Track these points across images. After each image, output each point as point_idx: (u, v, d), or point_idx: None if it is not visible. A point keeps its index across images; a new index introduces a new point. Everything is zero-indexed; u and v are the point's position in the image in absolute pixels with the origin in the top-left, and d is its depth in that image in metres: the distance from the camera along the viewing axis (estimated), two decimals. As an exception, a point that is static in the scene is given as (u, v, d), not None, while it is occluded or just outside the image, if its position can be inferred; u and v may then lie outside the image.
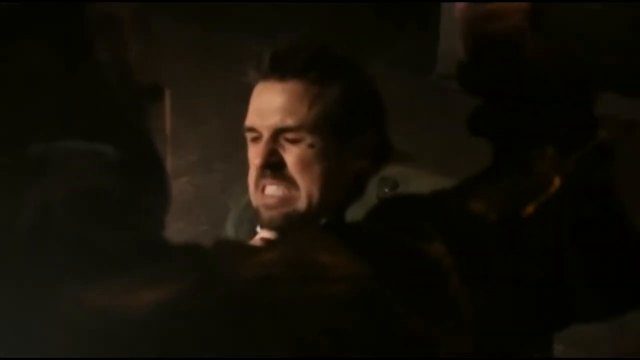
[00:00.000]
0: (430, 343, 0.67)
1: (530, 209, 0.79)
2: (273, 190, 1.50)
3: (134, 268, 0.62)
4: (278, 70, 1.50)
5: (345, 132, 1.51)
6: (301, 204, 1.49)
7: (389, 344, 0.66)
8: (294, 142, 1.48)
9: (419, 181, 1.46)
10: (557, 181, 0.80)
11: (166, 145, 0.74)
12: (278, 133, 1.49)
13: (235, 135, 1.74)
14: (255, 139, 1.52)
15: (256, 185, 1.51)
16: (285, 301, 0.63)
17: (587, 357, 3.02)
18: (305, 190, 1.49)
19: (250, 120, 1.53)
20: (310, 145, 1.48)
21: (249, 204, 1.57)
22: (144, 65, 0.71)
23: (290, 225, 1.47)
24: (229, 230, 1.71)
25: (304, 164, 1.48)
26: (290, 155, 1.48)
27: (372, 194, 1.50)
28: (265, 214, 1.51)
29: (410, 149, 1.71)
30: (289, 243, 0.71)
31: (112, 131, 0.67)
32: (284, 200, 1.49)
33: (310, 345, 0.63)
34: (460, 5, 0.87)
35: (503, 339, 0.75)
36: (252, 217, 1.59)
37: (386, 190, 1.49)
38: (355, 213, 1.49)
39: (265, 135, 1.49)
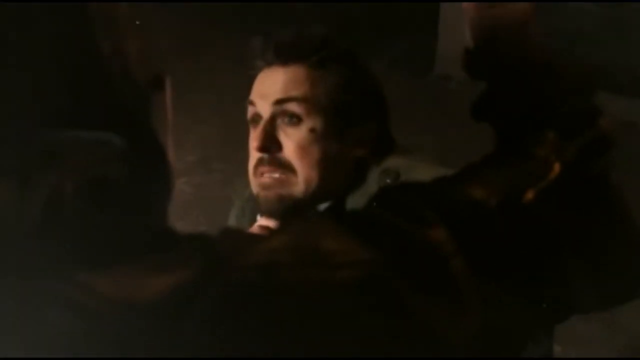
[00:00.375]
0: (435, 327, 0.68)
1: (530, 194, 0.79)
2: (270, 175, 1.50)
3: (141, 256, 0.63)
4: (281, 56, 1.51)
5: (345, 118, 1.52)
6: (299, 189, 1.49)
7: (394, 329, 0.66)
8: (294, 124, 1.49)
9: (421, 173, 1.46)
10: (557, 167, 0.81)
11: (167, 136, 0.75)
12: (278, 111, 1.49)
13: (234, 135, 1.75)
14: (255, 121, 1.53)
15: (255, 172, 1.52)
16: (290, 287, 0.64)
17: (585, 357, 3.02)
18: (303, 175, 1.49)
19: (253, 97, 1.54)
20: (311, 130, 1.49)
21: (251, 196, 1.58)
22: (145, 57, 0.72)
23: (287, 210, 1.48)
24: (232, 222, 1.72)
25: (303, 149, 1.48)
26: (289, 140, 1.49)
27: (374, 185, 1.50)
28: (262, 194, 1.51)
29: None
30: (293, 230, 0.72)
31: (116, 121, 0.68)
32: (281, 181, 1.49)
33: (315, 330, 0.63)
34: None
35: (505, 323, 0.75)
36: (254, 209, 1.59)
37: (388, 181, 1.49)
38: (356, 204, 1.49)
39: (265, 116, 1.50)
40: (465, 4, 0.88)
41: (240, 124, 1.58)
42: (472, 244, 0.73)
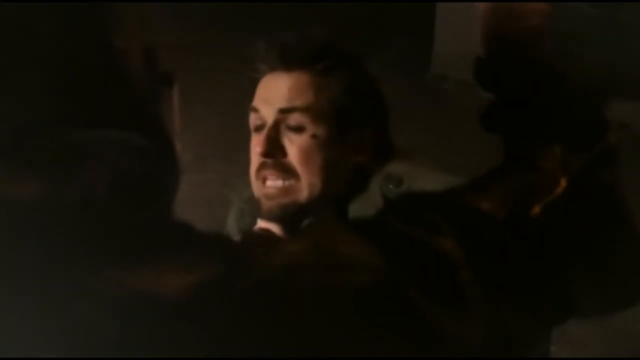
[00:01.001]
0: (439, 333, 0.69)
1: (537, 208, 0.80)
2: (274, 181, 1.50)
3: (166, 252, 0.64)
4: (285, 62, 1.52)
5: (346, 122, 1.52)
6: (302, 195, 1.49)
7: (401, 333, 0.67)
8: (297, 131, 1.49)
9: (424, 179, 1.46)
10: (563, 181, 0.82)
11: (175, 132, 0.76)
12: (282, 118, 1.49)
13: (232, 134, 1.75)
14: (258, 128, 1.53)
15: (257, 176, 1.52)
16: (310, 288, 0.65)
17: (580, 358, 3.03)
18: (306, 181, 1.49)
19: (256, 104, 1.54)
20: (313, 136, 1.49)
21: (251, 197, 1.58)
22: (152, 55, 0.73)
23: (288, 216, 1.49)
24: (231, 223, 1.72)
25: (307, 154, 1.49)
26: (293, 146, 1.49)
27: (376, 190, 1.50)
28: (265, 204, 1.51)
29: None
30: (311, 234, 0.73)
31: (129, 118, 0.69)
32: (285, 191, 1.49)
33: (333, 330, 0.64)
34: (483, 4, 0.89)
35: (507, 330, 0.76)
36: (254, 211, 1.59)
37: (391, 187, 1.49)
38: (359, 209, 1.49)
39: (269, 122, 1.51)
40: (482, 17, 0.88)
41: (239, 124, 1.58)
42: (479, 254, 0.75)
